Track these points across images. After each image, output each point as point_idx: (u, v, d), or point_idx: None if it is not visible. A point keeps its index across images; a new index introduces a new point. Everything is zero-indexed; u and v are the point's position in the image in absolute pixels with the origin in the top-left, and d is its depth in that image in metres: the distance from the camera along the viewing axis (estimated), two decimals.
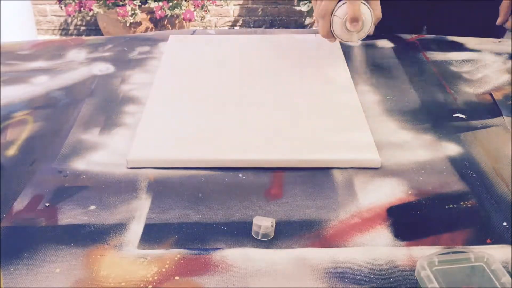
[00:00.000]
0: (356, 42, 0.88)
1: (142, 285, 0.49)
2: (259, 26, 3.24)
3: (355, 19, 0.78)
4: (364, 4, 0.79)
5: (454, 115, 0.76)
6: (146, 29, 2.80)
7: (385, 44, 0.98)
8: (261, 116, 0.74)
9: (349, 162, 0.65)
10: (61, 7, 2.84)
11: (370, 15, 0.80)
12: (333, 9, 0.80)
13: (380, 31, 1.03)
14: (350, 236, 0.55)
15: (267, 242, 0.54)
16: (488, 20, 1.02)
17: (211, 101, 0.78)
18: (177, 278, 0.50)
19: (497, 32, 1.11)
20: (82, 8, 2.74)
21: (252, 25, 3.24)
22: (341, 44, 0.96)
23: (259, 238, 0.54)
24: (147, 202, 0.60)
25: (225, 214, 0.58)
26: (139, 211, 0.58)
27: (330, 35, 0.82)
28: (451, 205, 0.59)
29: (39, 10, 3.19)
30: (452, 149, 0.69)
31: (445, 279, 0.43)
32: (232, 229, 0.56)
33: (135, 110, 0.77)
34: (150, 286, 0.49)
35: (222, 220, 0.57)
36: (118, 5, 2.67)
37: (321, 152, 0.66)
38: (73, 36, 3.16)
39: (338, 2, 0.80)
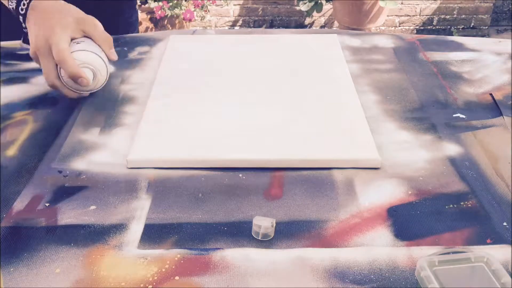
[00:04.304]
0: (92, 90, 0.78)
1: (142, 285, 0.49)
2: (259, 26, 3.24)
3: (76, 76, 0.73)
4: (89, 51, 0.75)
5: (454, 115, 0.76)
6: (146, 29, 2.80)
7: (385, 44, 0.98)
8: (261, 116, 0.74)
9: (349, 162, 0.65)
10: None
11: (97, 58, 0.75)
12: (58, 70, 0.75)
13: None
14: (350, 236, 0.55)
15: (267, 242, 0.54)
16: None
17: (211, 101, 0.78)
18: (177, 278, 0.50)
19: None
20: None
21: (252, 25, 3.24)
22: (341, 43, 0.96)
23: (259, 238, 0.54)
24: (147, 202, 0.60)
25: (225, 214, 0.58)
26: (139, 211, 0.58)
27: (58, 82, 0.75)
28: (451, 205, 0.59)
29: None
30: (452, 149, 0.69)
31: (445, 279, 0.43)
32: (232, 229, 0.56)
33: (135, 110, 0.77)
34: (150, 286, 0.49)
35: (222, 220, 0.57)
36: None
37: (321, 152, 0.66)
38: None
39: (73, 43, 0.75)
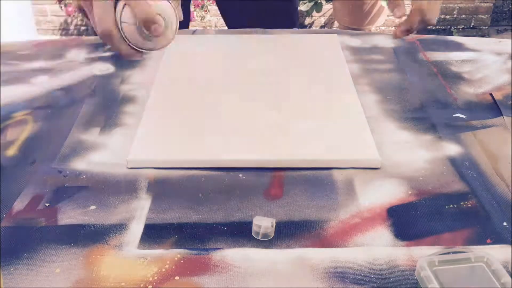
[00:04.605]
0: (166, 46, 0.65)
1: (142, 285, 0.49)
2: None
3: (149, 21, 0.59)
4: None
5: (454, 115, 0.76)
6: None
7: (385, 44, 0.98)
8: (261, 116, 0.74)
9: (349, 162, 0.65)
10: (61, 7, 2.84)
11: (171, 9, 0.61)
12: (116, 15, 0.60)
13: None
14: (350, 236, 0.55)
15: (267, 242, 0.54)
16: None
17: (211, 101, 0.78)
18: (177, 278, 0.50)
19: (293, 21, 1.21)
20: None
21: None
22: (341, 43, 0.96)
23: (259, 238, 0.54)
24: (147, 202, 0.60)
25: (225, 214, 0.58)
26: (139, 211, 0.58)
27: (115, 30, 0.60)
28: (451, 205, 0.59)
29: (39, 10, 3.19)
30: (452, 149, 0.69)
31: (445, 279, 0.43)
32: (232, 229, 0.56)
33: (135, 110, 0.77)
34: (150, 286, 0.49)
35: (222, 220, 0.57)
36: None
37: (321, 152, 0.66)
38: (73, 36, 3.16)
39: (117, 3, 0.60)
